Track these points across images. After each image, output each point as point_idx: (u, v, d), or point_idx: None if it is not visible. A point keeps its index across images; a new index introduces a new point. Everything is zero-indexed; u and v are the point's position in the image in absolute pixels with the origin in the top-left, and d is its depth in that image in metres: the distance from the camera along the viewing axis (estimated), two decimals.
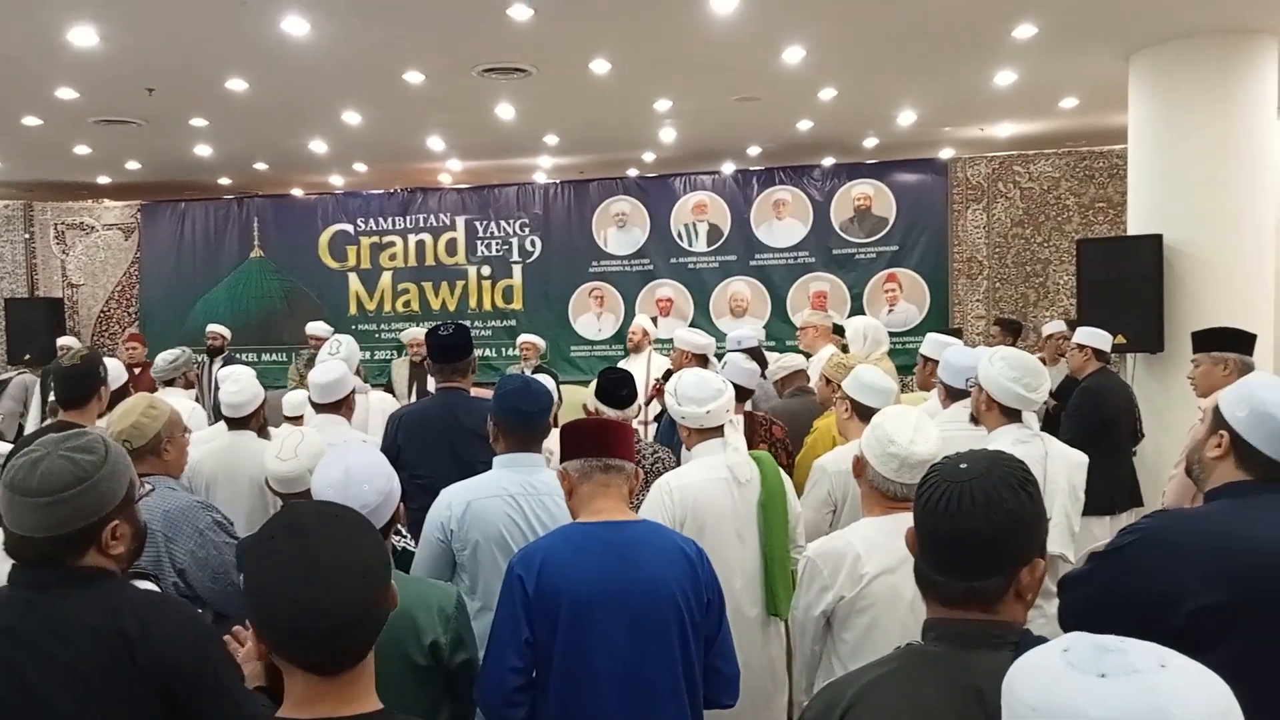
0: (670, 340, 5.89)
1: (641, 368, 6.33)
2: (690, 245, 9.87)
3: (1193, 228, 5.96)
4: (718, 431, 3.00)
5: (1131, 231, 6.46)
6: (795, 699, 2.89)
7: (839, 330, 5.96)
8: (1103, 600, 1.89)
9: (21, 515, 1.59)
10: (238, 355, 8.72)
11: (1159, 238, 6.04)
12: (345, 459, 2.11)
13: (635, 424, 4.34)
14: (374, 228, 10.43)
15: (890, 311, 9.31)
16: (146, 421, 2.78)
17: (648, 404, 5.63)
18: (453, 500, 2.68)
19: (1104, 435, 4.86)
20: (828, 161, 9.63)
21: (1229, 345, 4.03)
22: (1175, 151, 6.09)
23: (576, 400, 5.17)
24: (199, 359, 8.24)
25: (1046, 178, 9.17)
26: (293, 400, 4.97)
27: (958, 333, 8.30)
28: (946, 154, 9.51)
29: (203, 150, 8.75)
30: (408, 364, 7.95)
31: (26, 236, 10.78)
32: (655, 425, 5.26)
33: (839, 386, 3.57)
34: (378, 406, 5.16)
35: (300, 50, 5.80)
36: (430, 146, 8.86)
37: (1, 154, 9.00)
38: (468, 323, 7.17)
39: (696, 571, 2.18)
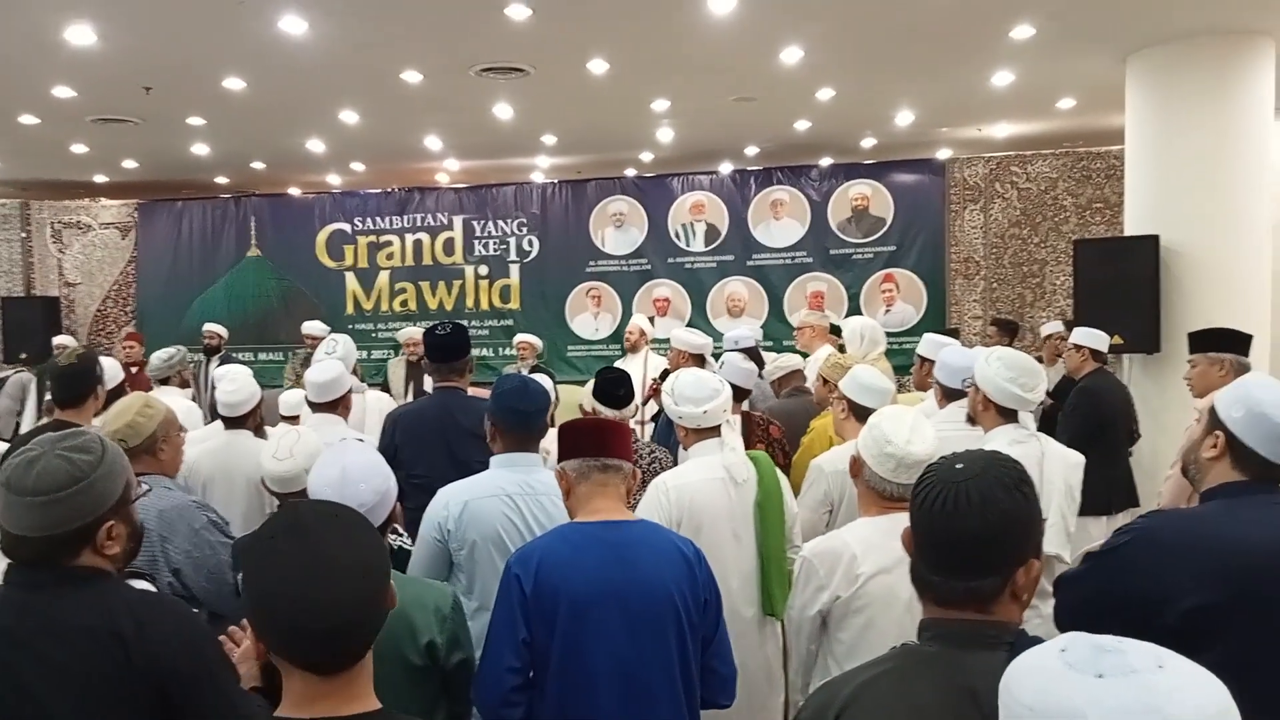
0: (667, 340, 5.89)
1: (638, 367, 6.33)
2: (688, 245, 9.88)
3: (1189, 229, 5.97)
4: (715, 431, 3.01)
5: (1128, 232, 6.47)
6: (791, 699, 2.89)
7: (836, 330, 5.96)
8: (1097, 600, 1.89)
9: (17, 515, 1.59)
10: (234, 354, 8.72)
11: (1156, 238, 6.05)
12: (342, 458, 2.11)
13: (632, 424, 4.34)
14: (371, 227, 10.43)
15: (887, 311, 9.31)
16: (142, 421, 2.77)
17: (645, 404, 5.63)
18: (450, 500, 2.68)
19: (1101, 435, 4.86)
20: (825, 162, 9.63)
21: (1225, 346, 4.03)
22: (1172, 152, 6.10)
23: (573, 400, 5.18)
24: (195, 358, 8.23)
25: (1044, 178, 9.18)
26: (290, 400, 4.97)
27: (955, 333, 8.29)
28: (944, 154, 9.52)
29: (200, 149, 8.74)
30: (404, 363, 7.94)
31: (23, 235, 10.76)
32: (652, 425, 5.26)
33: (836, 386, 3.57)
34: (374, 406, 5.15)
35: (298, 49, 5.79)
36: (428, 146, 8.85)
37: None
38: (465, 322, 7.18)
39: (694, 571, 2.18)
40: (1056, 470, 2.96)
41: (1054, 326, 7.32)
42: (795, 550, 2.86)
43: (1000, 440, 2.91)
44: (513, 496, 2.68)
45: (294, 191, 10.87)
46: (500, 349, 10.00)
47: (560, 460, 2.27)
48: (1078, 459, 3.06)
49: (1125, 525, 1.97)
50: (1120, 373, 6.07)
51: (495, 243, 10.24)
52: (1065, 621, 1.93)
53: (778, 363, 5.19)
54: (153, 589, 2.01)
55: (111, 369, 4.17)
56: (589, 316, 10.07)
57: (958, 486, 1.34)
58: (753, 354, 5.11)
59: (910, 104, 7.71)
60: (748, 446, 3.36)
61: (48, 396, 3.58)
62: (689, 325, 9.14)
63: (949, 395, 3.72)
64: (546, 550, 2.13)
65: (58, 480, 1.59)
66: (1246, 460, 1.88)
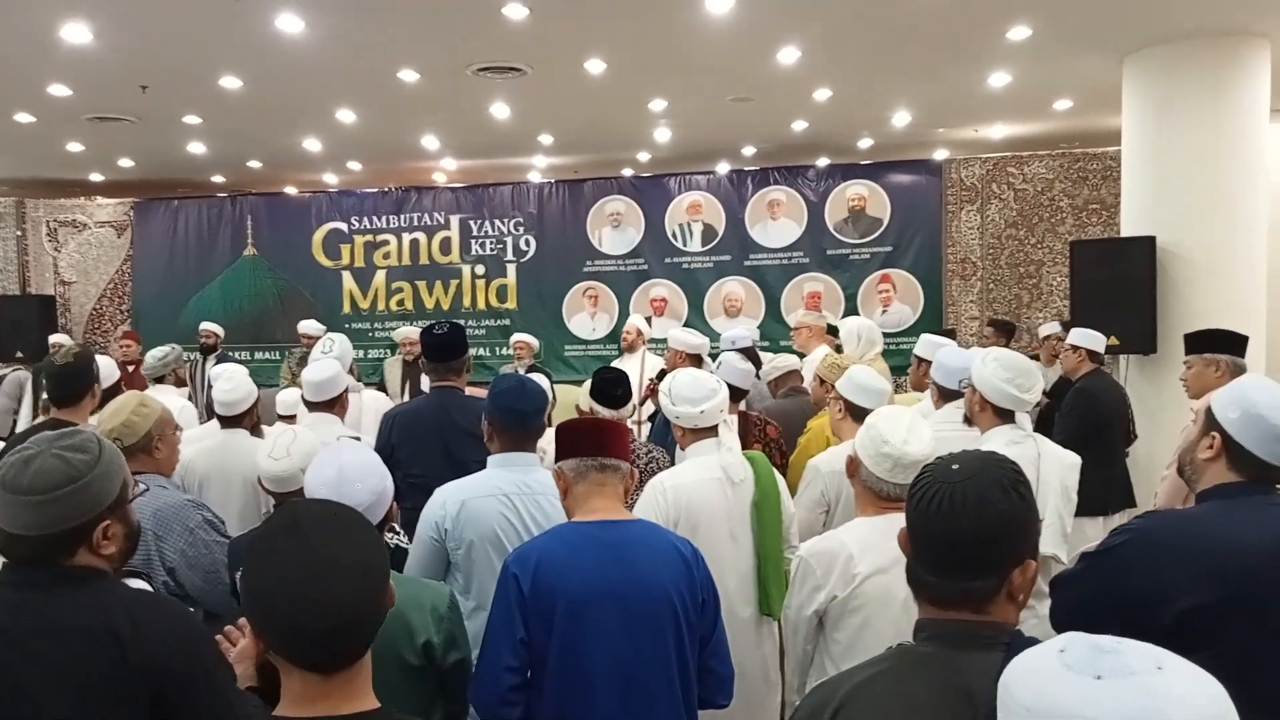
0: (664, 340, 5.89)
1: (635, 367, 6.32)
2: (685, 245, 9.88)
3: (1186, 230, 5.99)
4: (712, 431, 3.01)
5: (1125, 233, 6.48)
6: (787, 699, 2.89)
7: (833, 331, 5.96)
8: (1093, 600, 1.90)
9: (13, 514, 1.58)
10: (231, 353, 8.71)
11: (1152, 240, 6.06)
12: (338, 458, 2.11)
13: (629, 423, 4.34)
14: (368, 226, 10.41)
15: (884, 312, 9.32)
16: (137, 420, 2.76)
17: (642, 404, 5.63)
18: (447, 499, 2.67)
19: (1098, 436, 4.87)
20: (822, 162, 9.64)
21: (1221, 347, 4.04)
22: (1169, 154, 6.11)
23: (570, 400, 5.18)
24: (190, 356, 8.22)
25: (1040, 179, 9.19)
26: (286, 399, 4.97)
27: (951, 333, 8.33)
28: (941, 155, 9.53)
29: (196, 148, 8.73)
30: (400, 363, 7.94)
31: (18, 233, 10.74)
32: (649, 425, 5.26)
33: (833, 387, 3.57)
34: (371, 405, 5.15)
35: (294, 48, 5.79)
36: (425, 145, 8.84)
37: None
38: (462, 322, 7.18)
39: (692, 571, 2.18)
40: (1053, 471, 2.97)
41: (1052, 327, 7.34)
42: (792, 550, 2.86)
43: (997, 441, 2.91)
44: (510, 496, 2.68)
45: (290, 191, 10.85)
46: (497, 348, 9.99)
47: (558, 460, 2.27)
48: (1074, 460, 3.06)
49: (1121, 526, 1.97)
50: (1116, 373, 6.09)
51: (492, 242, 10.23)
52: (1061, 622, 1.93)
53: (774, 363, 5.20)
54: (149, 588, 2.01)
55: (107, 367, 4.16)
56: (586, 316, 10.07)
57: (954, 487, 1.34)
58: (750, 354, 5.11)
59: (907, 105, 7.72)
60: (745, 447, 3.37)
61: (44, 395, 3.57)
62: (686, 325, 9.14)
63: (946, 396, 3.72)
64: (544, 550, 2.13)
65: (54, 479, 1.59)
66: (1242, 461, 1.89)
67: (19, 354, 9.10)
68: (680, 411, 2.99)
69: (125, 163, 9.44)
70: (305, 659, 1.24)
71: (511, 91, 6.96)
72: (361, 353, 9.46)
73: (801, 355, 5.66)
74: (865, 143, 9.13)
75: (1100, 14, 5.50)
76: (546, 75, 6.53)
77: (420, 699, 1.98)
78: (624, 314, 9.59)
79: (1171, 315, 5.92)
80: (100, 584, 1.64)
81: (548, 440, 3.10)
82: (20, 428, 6.06)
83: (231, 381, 3.83)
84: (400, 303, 10.36)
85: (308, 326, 8.08)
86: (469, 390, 3.81)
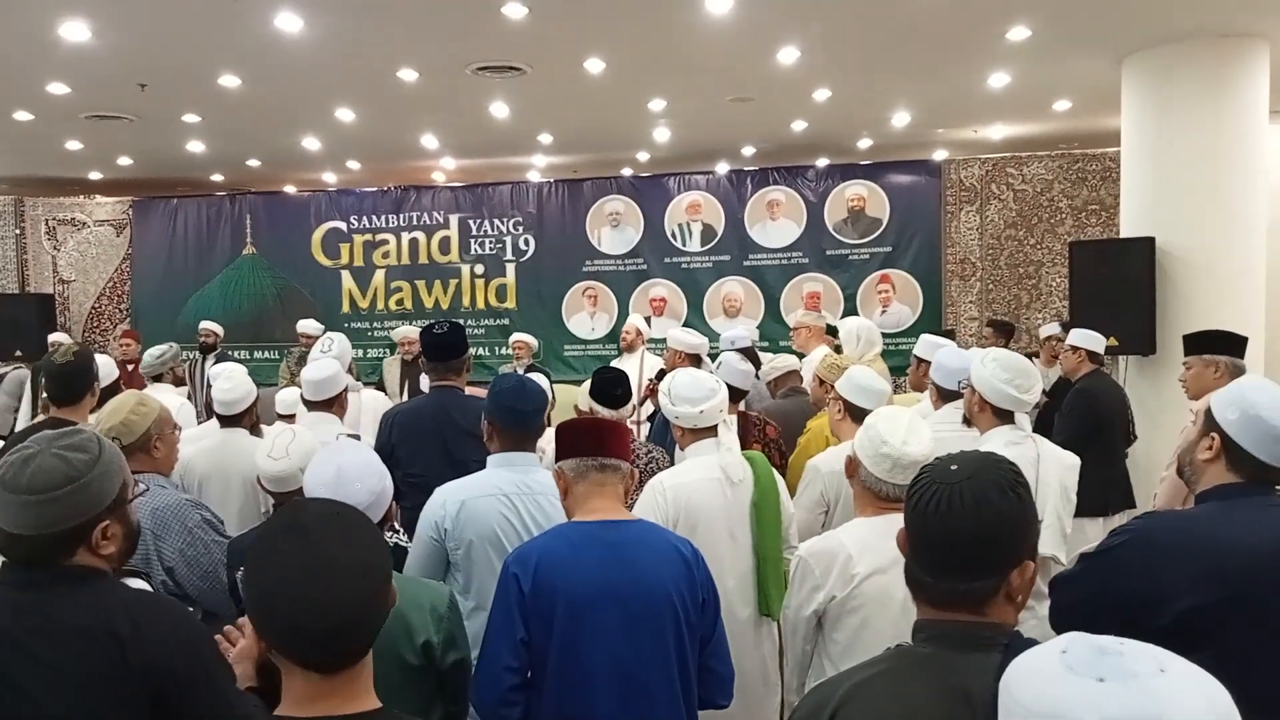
0: (663, 340, 5.88)
1: (635, 367, 6.32)
2: (684, 245, 9.88)
3: (1185, 231, 5.99)
4: (711, 431, 3.01)
5: (1124, 234, 6.48)
6: (786, 699, 2.89)
7: (832, 331, 5.96)
8: (1092, 601, 1.90)
9: (13, 513, 1.58)
10: (230, 353, 8.71)
11: (1151, 240, 6.06)
12: (337, 458, 2.11)
13: (628, 423, 4.34)
14: (367, 225, 10.41)
15: (883, 312, 9.32)
16: (136, 419, 2.76)
17: (641, 404, 5.63)
18: (447, 499, 2.67)
19: (1098, 436, 4.88)
20: (822, 162, 9.64)
21: (1220, 348, 4.05)
22: (1168, 155, 6.11)
23: (569, 400, 5.17)
24: (189, 355, 8.22)
25: (1039, 180, 9.19)
26: (286, 398, 4.97)
27: (951, 334, 8.33)
28: (940, 155, 9.53)
29: (195, 146, 8.72)
30: (399, 362, 7.94)
31: (17, 232, 10.73)
32: (648, 425, 5.26)
33: (832, 387, 3.57)
34: (370, 405, 5.14)
35: (293, 47, 5.78)
36: (424, 144, 8.84)
37: None
38: (461, 321, 7.19)
39: (692, 571, 2.18)
40: (1052, 472, 2.97)
41: (1052, 328, 7.34)
42: (791, 550, 2.86)
43: (996, 441, 2.91)
44: (510, 496, 2.68)
45: (289, 190, 10.85)
46: (496, 348, 9.99)
47: (558, 460, 2.27)
48: (1073, 460, 3.06)
49: (1121, 526, 1.97)
50: (1116, 374, 6.09)
51: (491, 242, 10.23)
52: (1060, 622, 1.93)
53: (774, 363, 5.20)
54: (149, 588, 2.01)
55: (106, 366, 4.16)
56: (585, 316, 10.07)
57: (952, 488, 1.34)
58: (749, 354, 5.11)
59: (906, 105, 7.72)
60: (744, 447, 3.36)
61: (43, 394, 3.56)
62: (685, 325, 9.15)
63: (945, 396, 3.72)
64: (545, 550, 2.13)
65: (53, 479, 1.58)
66: (1241, 462, 1.89)
67: (18, 353, 9.09)
68: (680, 411, 2.99)
69: (124, 161, 9.44)
70: (307, 659, 1.24)
71: (511, 91, 6.96)
72: (360, 352, 9.47)
73: (801, 355, 5.65)
74: (865, 143, 9.14)
75: (1100, 15, 5.51)
76: (546, 75, 6.53)
77: (419, 699, 1.98)
78: (623, 314, 9.59)
79: (1170, 316, 5.93)
80: (100, 584, 1.64)
81: (547, 440, 3.11)
82: (19, 426, 6.05)
83: (231, 381, 3.83)
84: (399, 302, 10.36)
85: (306, 326, 8.08)
86: (469, 390, 3.81)
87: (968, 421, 3.20)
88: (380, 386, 7.68)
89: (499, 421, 2.77)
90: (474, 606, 2.57)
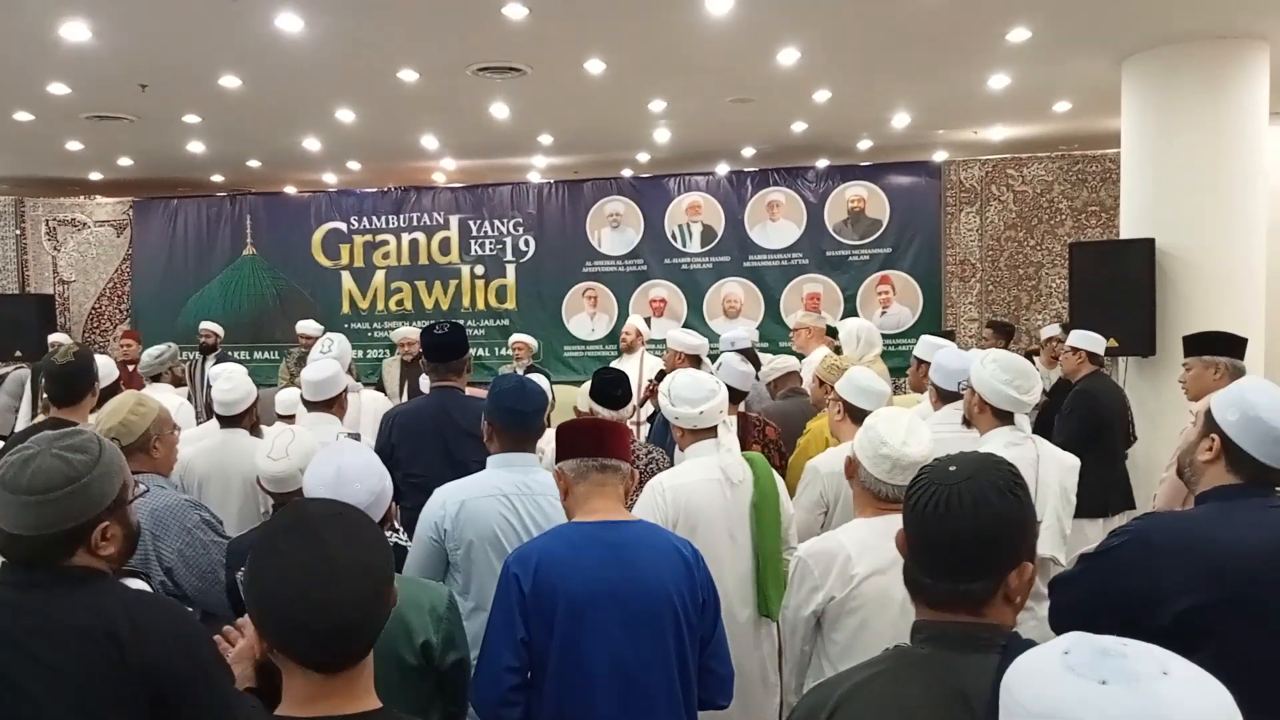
0: (663, 341, 5.89)
1: (634, 368, 6.32)
2: (684, 246, 9.88)
3: (1185, 232, 5.99)
4: (711, 432, 3.01)
5: (1124, 235, 6.49)
6: (785, 700, 2.89)
7: (832, 332, 5.97)
8: (1092, 601, 1.90)
9: (13, 513, 1.58)
10: (230, 353, 8.71)
11: (1151, 242, 6.06)
12: (337, 458, 2.10)
13: (628, 424, 4.34)
14: (367, 226, 10.41)
15: (883, 313, 9.32)
16: (135, 419, 2.76)
17: (641, 405, 5.63)
18: (446, 500, 2.67)
19: (1098, 437, 4.88)
20: (822, 163, 9.64)
21: (1220, 349, 4.05)
22: (1167, 156, 6.12)
23: (569, 401, 5.17)
24: (189, 356, 8.22)
25: (1039, 181, 9.20)
26: (286, 399, 4.97)
27: (950, 335, 8.33)
28: (940, 156, 9.53)
29: (195, 147, 8.72)
30: (398, 363, 7.94)
31: (17, 232, 10.73)
32: (648, 426, 5.26)
33: (832, 388, 3.57)
34: (370, 406, 5.15)
35: (294, 48, 5.79)
36: (424, 145, 8.84)
37: None
38: (461, 322, 7.20)
39: (692, 572, 2.18)
40: (1052, 473, 2.97)
41: (1052, 330, 7.34)
42: (791, 551, 2.86)
43: (996, 442, 2.91)
44: (509, 496, 2.68)
45: (290, 190, 10.85)
46: (496, 349, 9.99)
47: (559, 460, 2.27)
48: (1073, 461, 3.06)
49: (1120, 527, 1.98)
50: (1115, 375, 6.09)
51: (491, 242, 10.23)
52: (1060, 623, 1.93)
53: (773, 364, 5.20)
54: (148, 588, 2.01)
55: (106, 367, 4.16)
56: (585, 317, 10.07)
57: (950, 489, 1.34)
58: (749, 355, 5.11)
59: (906, 106, 7.72)
60: (744, 447, 3.36)
61: (43, 394, 3.56)
62: (685, 326, 9.15)
63: (944, 397, 3.72)
64: (545, 550, 2.13)
65: (53, 480, 1.58)
66: (1241, 463, 1.89)
67: (18, 353, 9.10)
68: (679, 412, 2.99)
69: (124, 162, 9.44)
70: (308, 658, 1.24)
71: (511, 91, 6.96)
72: (360, 353, 9.47)
73: (801, 356, 5.66)
74: (865, 144, 9.14)
75: (1100, 16, 5.51)
76: (546, 75, 6.53)
77: (419, 699, 1.98)
78: (623, 314, 9.59)
79: (1170, 317, 5.93)
80: (99, 585, 1.63)
81: (546, 440, 3.11)
82: (19, 426, 6.05)
83: (231, 381, 3.83)
84: (399, 303, 10.36)
85: (305, 326, 8.08)
86: (469, 390, 3.81)
87: (967, 422, 3.20)
88: (380, 387, 7.68)
89: (499, 422, 2.77)
90: (473, 607, 2.57)
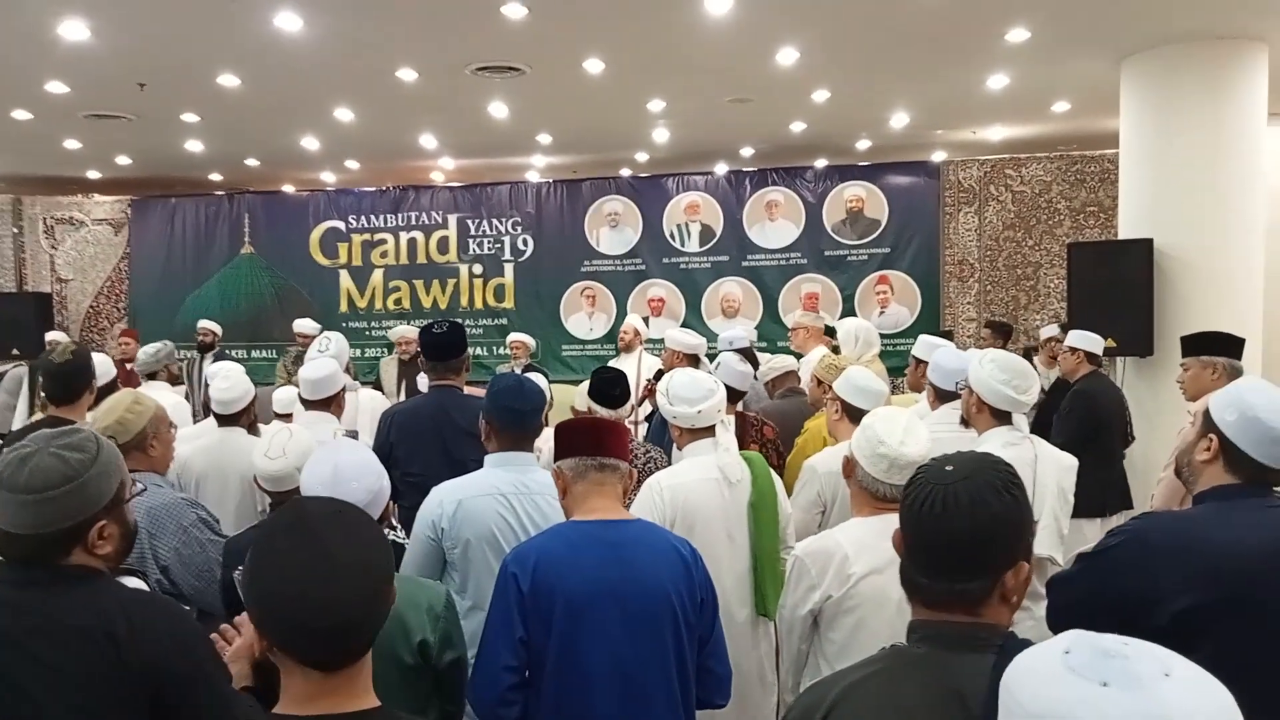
0: (661, 340, 5.88)
1: (632, 367, 6.32)
2: (682, 245, 9.87)
3: (1183, 232, 6.00)
4: (709, 431, 3.01)
5: (1122, 235, 6.49)
6: (782, 699, 2.89)
7: (830, 331, 5.97)
8: (1089, 601, 1.90)
9: (10, 512, 1.58)
10: (228, 352, 8.70)
11: (1149, 242, 6.07)
12: (334, 457, 2.10)
13: (626, 423, 4.34)
14: (365, 225, 10.40)
15: (881, 313, 9.32)
16: (131, 417, 2.76)
17: (639, 404, 5.63)
18: (444, 498, 2.67)
19: (1096, 438, 4.88)
20: (820, 163, 9.64)
21: (1218, 349, 4.05)
22: (1166, 156, 6.12)
23: (567, 400, 5.18)
24: (186, 354, 8.22)
25: (1038, 181, 9.20)
26: (283, 397, 4.96)
27: (949, 335, 8.34)
28: (938, 157, 9.53)
29: (194, 146, 8.71)
30: (396, 362, 7.94)
31: (15, 231, 10.72)
32: (646, 425, 5.26)
33: (830, 387, 3.57)
34: (367, 405, 5.14)
35: (293, 47, 5.78)
36: (423, 144, 8.84)
37: None
38: (459, 321, 7.20)
39: (691, 571, 2.18)
40: (1049, 472, 2.96)
41: (1051, 330, 7.35)
42: (789, 551, 2.86)
43: (994, 442, 2.91)
44: (507, 496, 2.68)
45: (288, 189, 10.84)
46: (494, 348, 9.98)
47: (557, 459, 2.27)
48: (1071, 461, 3.06)
49: (1118, 527, 1.98)
50: (1113, 376, 6.09)
51: (490, 242, 10.22)
52: (1058, 623, 1.93)
53: (771, 364, 5.20)
54: (145, 587, 2.01)
55: (103, 365, 4.15)
56: (583, 316, 10.07)
57: (947, 488, 1.33)
58: (748, 355, 5.11)
59: (905, 106, 7.72)
60: (742, 447, 3.36)
61: (40, 393, 3.56)
62: (683, 326, 9.15)
63: (942, 397, 3.72)
64: (543, 549, 2.13)
65: (49, 479, 1.58)
66: (1239, 464, 1.89)
67: (15, 351, 9.08)
68: (677, 411, 2.99)
69: (123, 160, 9.43)
70: (309, 656, 1.23)
71: (510, 91, 6.96)
72: (358, 351, 9.47)
73: (799, 356, 5.66)
74: (863, 144, 9.14)
75: (1098, 16, 5.51)
76: (545, 75, 6.53)
77: (416, 698, 1.98)
78: (621, 314, 9.58)
79: (1168, 317, 5.93)
80: (97, 584, 1.63)
81: (544, 439, 3.11)
82: (16, 425, 6.04)
83: (228, 380, 3.82)
84: (398, 301, 10.35)
85: (303, 325, 8.08)
86: (468, 390, 3.81)
87: (965, 422, 3.20)
88: (378, 386, 7.68)
89: (497, 421, 2.77)
90: (470, 606, 2.57)
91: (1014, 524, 1.35)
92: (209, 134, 8.31)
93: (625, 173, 10.13)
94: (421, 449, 3.55)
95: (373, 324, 10.31)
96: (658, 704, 2.10)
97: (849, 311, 9.16)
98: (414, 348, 7.44)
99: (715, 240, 9.79)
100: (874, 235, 9.47)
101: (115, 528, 1.67)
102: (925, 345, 4.63)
